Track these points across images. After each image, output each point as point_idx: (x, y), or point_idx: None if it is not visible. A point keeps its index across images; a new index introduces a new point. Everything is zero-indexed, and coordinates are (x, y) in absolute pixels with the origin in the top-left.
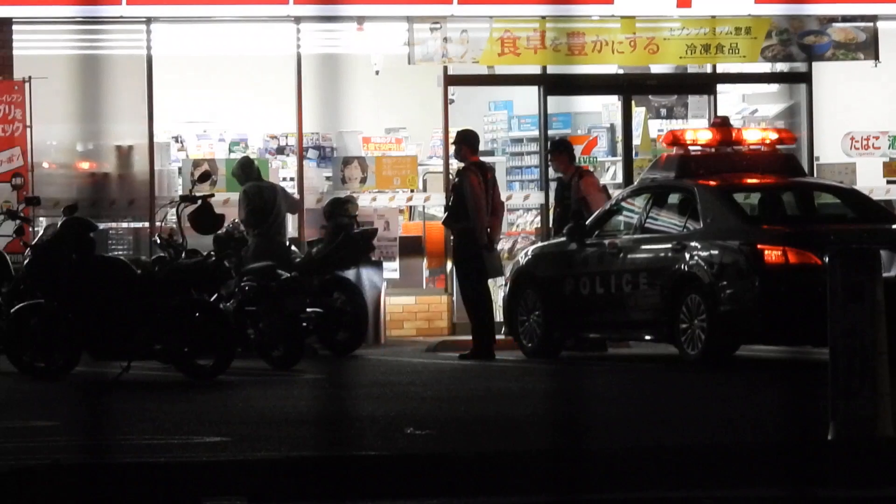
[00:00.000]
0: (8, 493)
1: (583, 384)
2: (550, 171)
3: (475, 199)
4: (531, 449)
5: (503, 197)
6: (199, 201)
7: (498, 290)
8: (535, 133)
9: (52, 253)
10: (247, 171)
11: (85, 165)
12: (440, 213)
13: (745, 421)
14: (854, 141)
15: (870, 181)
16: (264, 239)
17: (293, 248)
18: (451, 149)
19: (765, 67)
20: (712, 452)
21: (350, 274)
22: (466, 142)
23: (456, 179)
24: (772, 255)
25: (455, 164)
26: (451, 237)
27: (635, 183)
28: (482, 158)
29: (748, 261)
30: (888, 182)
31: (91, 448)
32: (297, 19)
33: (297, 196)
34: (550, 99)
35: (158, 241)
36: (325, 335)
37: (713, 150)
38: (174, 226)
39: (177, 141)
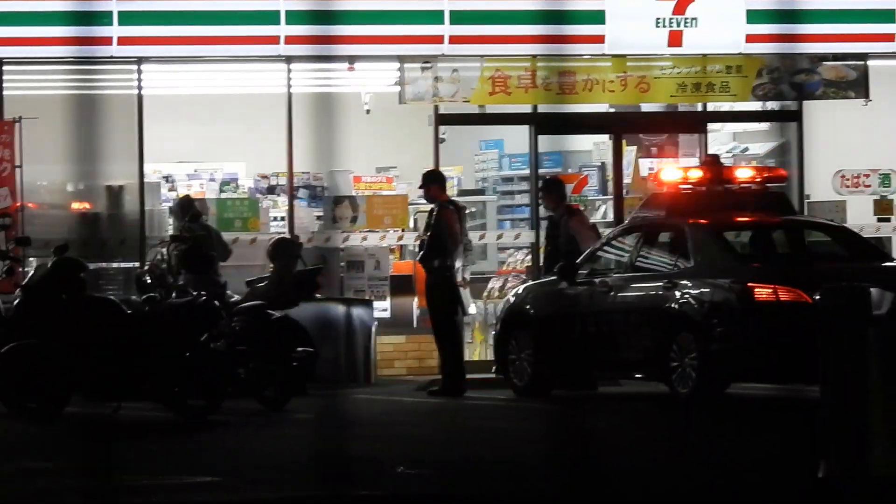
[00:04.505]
0: None
1: (574, 424)
2: (541, 209)
3: (454, 236)
4: (523, 490)
5: (492, 236)
6: (189, 241)
7: (489, 328)
8: (526, 172)
9: (43, 293)
10: (184, 210)
11: (75, 205)
12: None
13: (736, 459)
14: (845, 179)
15: (860, 219)
16: (200, 277)
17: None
18: (420, 191)
19: (755, 106)
20: (704, 493)
21: (340, 313)
22: (437, 181)
23: (434, 218)
24: (762, 293)
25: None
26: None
27: (626, 221)
28: (472, 198)
29: (739, 299)
30: (879, 220)
31: (86, 491)
32: (288, 59)
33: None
34: (541, 138)
35: (147, 279)
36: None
37: (704, 188)
38: (162, 263)
39: (167, 180)
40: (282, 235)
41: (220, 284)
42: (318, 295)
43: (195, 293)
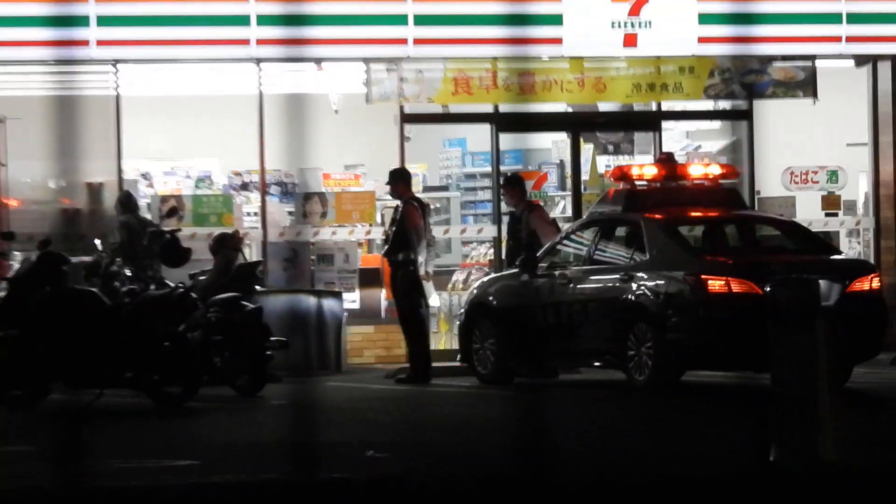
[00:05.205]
0: None
1: (535, 411)
2: (503, 205)
3: (418, 232)
4: (489, 476)
5: (456, 231)
6: (168, 235)
7: (453, 319)
8: (488, 169)
9: (27, 285)
10: (124, 205)
11: (57, 201)
12: None
13: (689, 444)
14: (794, 175)
15: (809, 214)
16: (136, 268)
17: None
18: (387, 188)
19: (708, 105)
20: (656, 475)
21: (312, 305)
22: (403, 179)
23: (399, 214)
24: (715, 284)
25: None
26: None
27: (584, 216)
28: (436, 194)
29: (693, 291)
30: (826, 215)
31: (67, 473)
32: (259, 60)
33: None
34: (502, 136)
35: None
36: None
37: (659, 184)
38: (104, 256)
39: (145, 178)
40: (223, 231)
41: (148, 277)
42: (257, 287)
43: (172, 286)
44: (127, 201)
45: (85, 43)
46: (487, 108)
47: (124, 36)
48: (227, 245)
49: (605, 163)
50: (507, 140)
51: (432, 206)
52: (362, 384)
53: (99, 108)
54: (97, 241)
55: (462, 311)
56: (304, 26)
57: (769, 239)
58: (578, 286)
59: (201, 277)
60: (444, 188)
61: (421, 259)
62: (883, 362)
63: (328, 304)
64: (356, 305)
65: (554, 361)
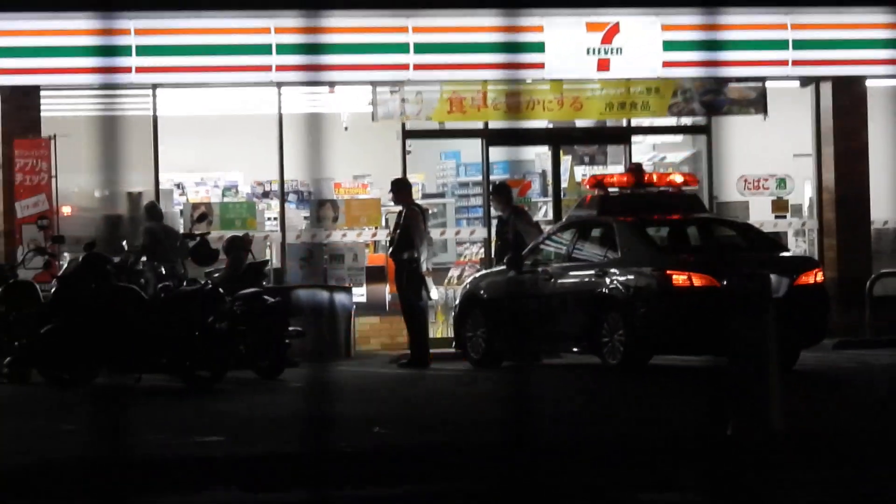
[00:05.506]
0: (38, 483)
1: (522, 389)
2: (492, 209)
3: (419, 234)
4: (482, 442)
5: (451, 232)
6: (198, 238)
7: (449, 310)
8: (479, 178)
9: (75, 283)
10: (150, 214)
11: (102, 209)
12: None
13: (655, 419)
14: (747, 183)
15: (760, 216)
16: (166, 266)
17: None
18: (391, 195)
19: (671, 121)
20: (625, 448)
21: (325, 298)
22: (405, 187)
23: (402, 218)
24: (679, 279)
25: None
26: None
27: (563, 219)
28: (433, 201)
29: (659, 284)
30: (776, 217)
31: (107, 446)
32: (279, 84)
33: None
34: (492, 149)
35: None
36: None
37: (629, 191)
38: (130, 255)
39: (178, 187)
40: (234, 233)
41: (181, 275)
42: (264, 283)
43: (202, 282)
44: (152, 210)
45: (126, 70)
46: (479, 125)
47: (161, 63)
48: (238, 246)
49: (582, 172)
50: (496, 153)
51: (430, 211)
52: (369, 368)
53: (138, 127)
54: (123, 243)
55: (456, 303)
56: (319, 54)
57: (726, 238)
58: (558, 281)
59: (216, 275)
60: (441, 195)
61: (423, 257)
62: (826, 347)
63: (339, 297)
64: (364, 299)
65: (537, 347)
